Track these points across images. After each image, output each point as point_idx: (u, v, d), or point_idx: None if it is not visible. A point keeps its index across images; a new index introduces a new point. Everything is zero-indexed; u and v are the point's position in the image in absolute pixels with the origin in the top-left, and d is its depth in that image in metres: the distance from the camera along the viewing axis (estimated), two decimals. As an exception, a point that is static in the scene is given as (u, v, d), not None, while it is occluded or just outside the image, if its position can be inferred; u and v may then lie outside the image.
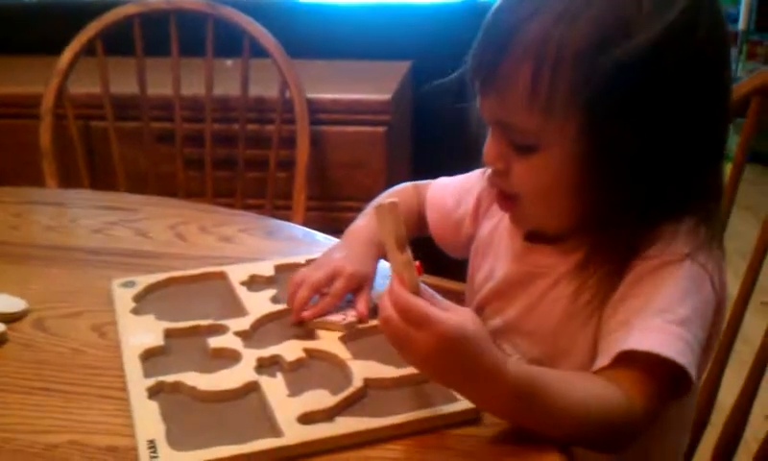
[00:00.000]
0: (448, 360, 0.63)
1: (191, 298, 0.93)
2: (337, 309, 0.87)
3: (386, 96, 1.83)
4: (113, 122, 1.73)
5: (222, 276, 0.97)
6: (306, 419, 0.69)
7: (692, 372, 0.69)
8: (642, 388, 0.69)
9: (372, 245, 0.91)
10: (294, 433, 0.68)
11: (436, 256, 1.01)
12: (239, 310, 0.89)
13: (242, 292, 0.92)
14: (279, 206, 1.71)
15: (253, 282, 0.95)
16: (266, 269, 0.97)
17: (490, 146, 0.78)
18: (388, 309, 0.64)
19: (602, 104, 0.71)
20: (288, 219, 1.26)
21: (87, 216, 1.24)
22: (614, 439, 0.70)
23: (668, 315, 0.70)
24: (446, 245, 1.01)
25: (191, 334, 0.84)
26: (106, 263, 1.04)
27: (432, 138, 2.13)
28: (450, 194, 1.00)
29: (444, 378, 0.67)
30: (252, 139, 1.77)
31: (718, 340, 0.80)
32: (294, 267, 0.99)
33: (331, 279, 0.87)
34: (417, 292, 0.64)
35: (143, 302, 0.91)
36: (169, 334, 0.83)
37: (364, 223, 0.95)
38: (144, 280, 0.95)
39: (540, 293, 0.82)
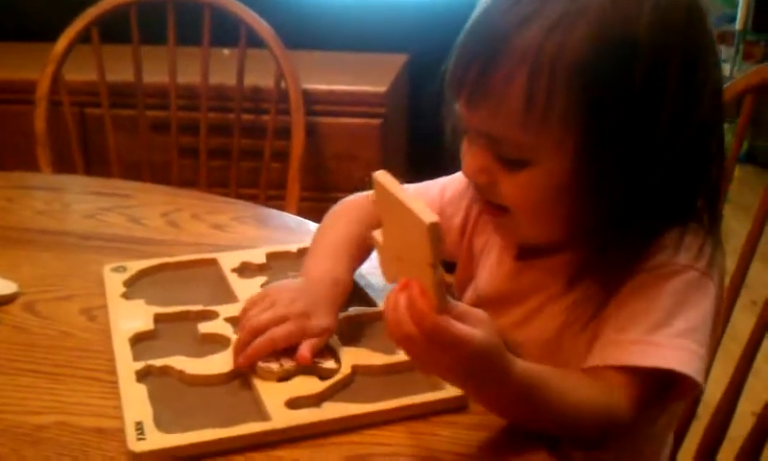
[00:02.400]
0: (469, 374, 0.62)
1: (182, 284, 0.93)
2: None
3: (381, 88, 1.83)
4: (108, 109, 1.73)
5: (213, 262, 0.97)
6: (294, 404, 0.70)
7: (699, 378, 0.69)
8: (633, 394, 0.69)
9: (338, 287, 0.83)
10: (281, 418, 0.68)
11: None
12: (230, 297, 0.89)
13: (233, 279, 0.92)
14: (273, 197, 1.71)
15: (245, 270, 0.95)
16: (257, 257, 0.98)
17: (471, 160, 0.75)
18: (408, 326, 0.59)
19: (603, 116, 0.68)
20: (281, 209, 1.26)
21: (80, 201, 1.24)
22: (600, 438, 0.70)
23: (668, 329, 0.70)
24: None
25: (181, 319, 0.84)
26: (97, 248, 1.04)
27: (427, 132, 2.13)
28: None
29: (457, 384, 0.67)
30: (247, 129, 1.77)
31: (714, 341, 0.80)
32: (285, 255, 0.99)
33: (291, 338, 0.76)
34: (442, 310, 0.59)
35: (134, 287, 0.92)
36: (159, 319, 0.83)
37: (324, 272, 0.85)
38: (135, 266, 0.95)
39: (534, 308, 0.80)
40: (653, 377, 0.69)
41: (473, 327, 0.59)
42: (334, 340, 0.79)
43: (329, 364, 0.76)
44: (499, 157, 0.73)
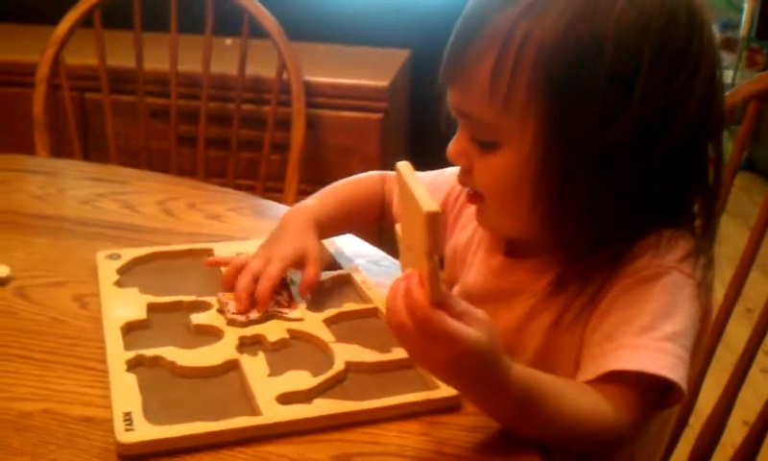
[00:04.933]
0: (459, 373, 0.61)
1: (176, 273, 0.92)
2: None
3: (383, 83, 1.82)
4: (108, 95, 1.72)
5: (209, 253, 0.96)
6: (285, 399, 0.69)
7: (683, 385, 0.68)
8: (631, 405, 0.68)
9: (308, 225, 0.90)
10: (272, 413, 0.67)
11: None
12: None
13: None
14: (271, 188, 1.70)
15: (240, 261, 0.94)
16: (253, 248, 0.95)
17: (453, 142, 0.77)
18: (402, 315, 0.59)
19: (562, 103, 0.68)
20: (279, 201, 1.25)
21: (76, 187, 1.23)
22: (601, 451, 0.70)
23: (655, 333, 0.69)
24: None
25: (174, 309, 0.84)
26: (92, 235, 1.03)
27: (428, 128, 2.12)
28: None
29: (451, 383, 0.66)
30: (247, 119, 1.76)
31: (702, 347, 0.79)
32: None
33: (266, 265, 0.85)
34: (437, 301, 0.59)
35: (127, 274, 0.91)
36: (152, 308, 0.83)
37: (301, 206, 0.95)
38: (130, 253, 0.94)
39: (525, 312, 0.79)
40: (648, 385, 0.68)
41: (470, 326, 0.59)
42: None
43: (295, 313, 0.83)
44: (476, 140, 0.74)
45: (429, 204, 0.57)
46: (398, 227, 0.69)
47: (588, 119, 0.68)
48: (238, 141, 1.73)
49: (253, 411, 0.68)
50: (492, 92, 0.70)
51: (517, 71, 0.69)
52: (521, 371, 0.63)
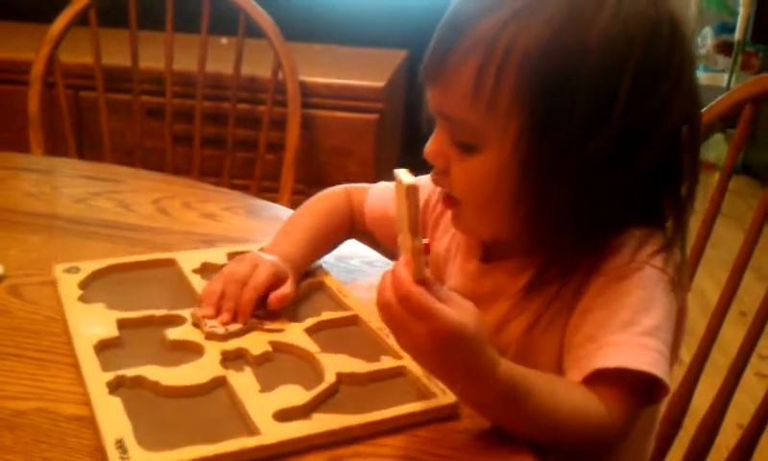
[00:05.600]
0: (443, 357, 0.61)
1: (141, 286, 0.88)
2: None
3: (379, 84, 1.82)
4: (103, 93, 1.71)
5: (172, 263, 0.92)
6: (283, 416, 0.66)
7: (667, 380, 0.69)
8: (620, 402, 0.68)
9: (285, 260, 0.86)
10: (272, 431, 0.64)
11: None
12: (193, 300, 0.83)
13: (195, 280, 0.87)
14: (266, 188, 1.70)
15: (206, 271, 0.90)
16: (218, 257, 0.93)
17: (431, 142, 0.76)
18: (387, 293, 0.61)
19: (545, 110, 0.68)
20: (274, 201, 1.25)
21: (71, 185, 1.23)
22: (592, 449, 0.70)
23: (635, 328, 0.69)
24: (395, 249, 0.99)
25: (145, 325, 0.80)
26: (86, 233, 1.03)
27: (424, 130, 2.12)
28: (391, 200, 0.91)
29: (433, 371, 0.66)
30: (243, 119, 1.76)
31: (682, 343, 0.79)
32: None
33: (253, 270, 0.82)
34: (422, 281, 0.61)
35: (89, 289, 0.86)
36: (122, 324, 0.78)
37: (270, 248, 0.90)
38: (89, 266, 0.89)
39: (503, 314, 0.79)
40: (633, 381, 0.68)
41: (452, 307, 0.60)
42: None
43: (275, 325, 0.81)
44: (455, 142, 0.74)
45: (408, 178, 0.60)
46: (401, 237, 0.69)
47: (570, 127, 0.68)
48: (233, 141, 1.73)
49: (250, 430, 0.65)
50: (474, 95, 0.70)
51: (502, 76, 0.69)
52: (510, 365, 0.63)
